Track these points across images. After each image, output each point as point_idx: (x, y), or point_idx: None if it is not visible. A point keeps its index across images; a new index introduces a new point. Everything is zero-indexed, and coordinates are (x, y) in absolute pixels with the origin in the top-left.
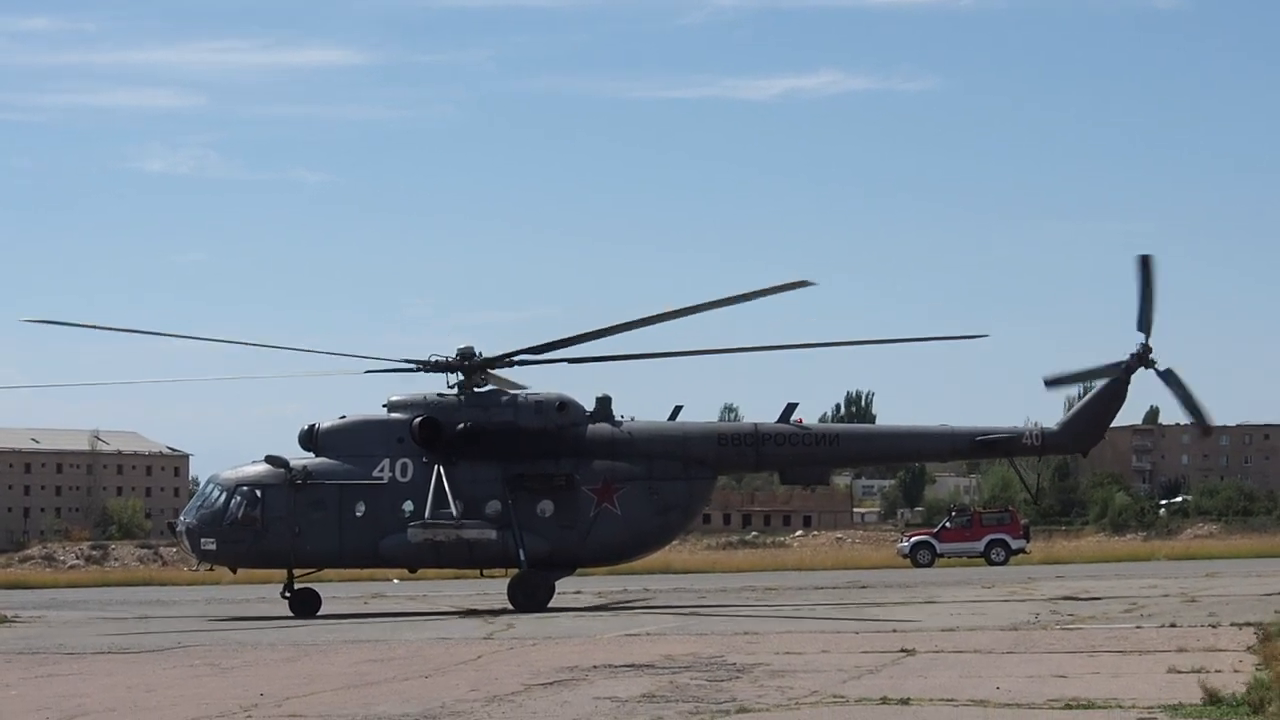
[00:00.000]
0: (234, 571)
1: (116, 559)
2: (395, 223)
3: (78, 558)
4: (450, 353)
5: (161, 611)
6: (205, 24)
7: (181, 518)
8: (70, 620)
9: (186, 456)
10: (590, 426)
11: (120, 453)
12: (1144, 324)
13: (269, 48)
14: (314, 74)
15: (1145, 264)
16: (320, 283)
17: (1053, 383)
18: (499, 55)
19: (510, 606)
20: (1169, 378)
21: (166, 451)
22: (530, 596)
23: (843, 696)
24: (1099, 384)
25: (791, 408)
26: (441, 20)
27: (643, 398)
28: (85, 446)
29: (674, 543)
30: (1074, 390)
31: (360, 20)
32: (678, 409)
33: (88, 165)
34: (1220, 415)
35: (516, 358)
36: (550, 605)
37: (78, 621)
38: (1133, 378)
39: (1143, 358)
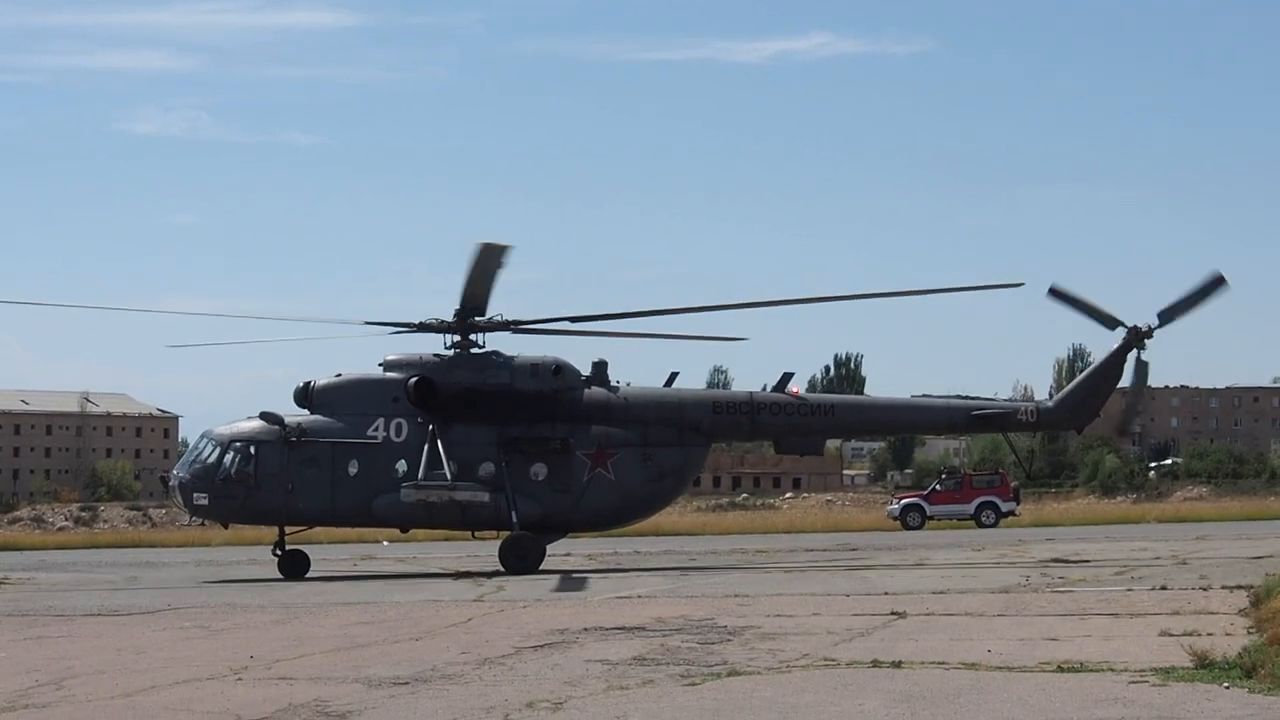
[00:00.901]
0: (225, 527)
1: (106, 521)
2: (387, 184)
3: (67, 519)
4: (447, 314)
5: (151, 573)
6: None
7: (175, 472)
8: (59, 582)
9: (176, 418)
10: (586, 391)
11: (110, 414)
12: (1110, 324)
13: (261, 9)
14: (306, 36)
15: (1056, 293)
16: (312, 244)
17: (1056, 293)
18: (489, 17)
19: (501, 569)
20: (1170, 314)
21: (156, 413)
22: (521, 559)
23: (834, 659)
24: (1095, 362)
25: (787, 377)
26: None
27: (635, 360)
28: (75, 408)
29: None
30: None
31: None
32: (673, 375)
33: (80, 127)
34: (1210, 378)
35: (511, 320)
36: (541, 568)
37: (67, 584)
38: (1128, 356)
39: (1139, 336)
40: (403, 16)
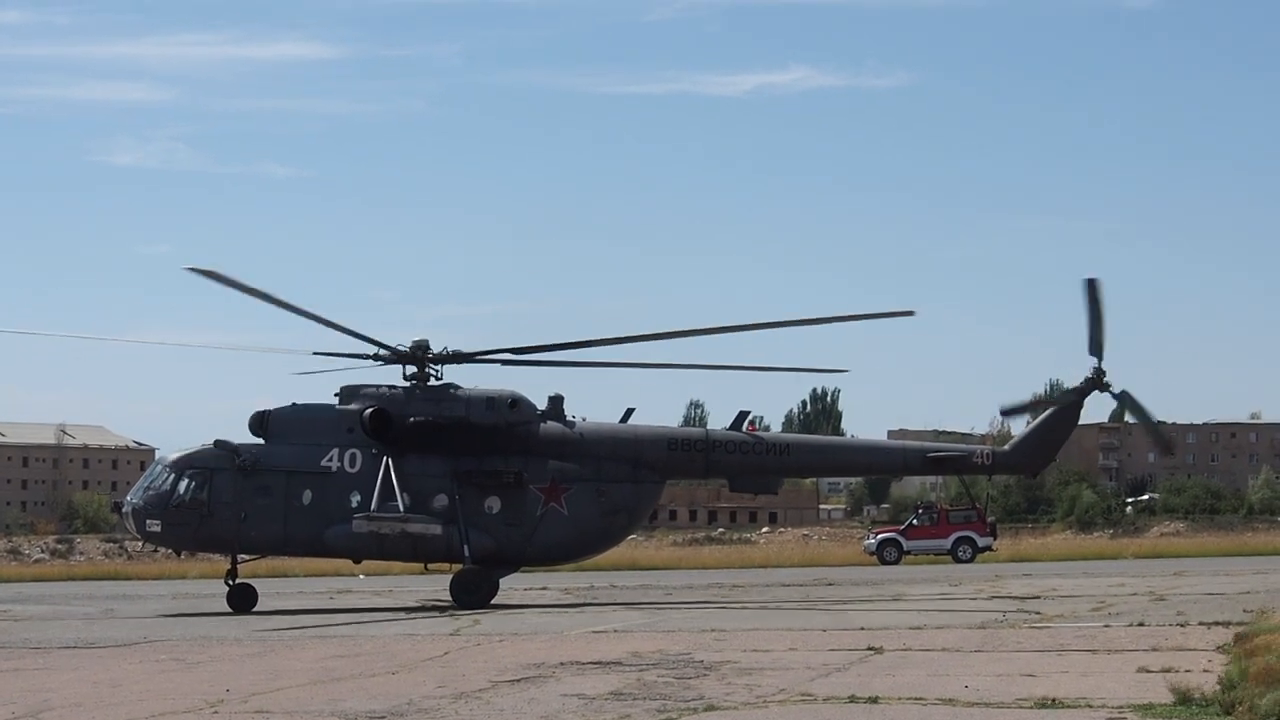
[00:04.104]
0: (178, 554)
1: (82, 553)
2: (363, 217)
3: (43, 551)
4: (406, 345)
5: (127, 606)
6: (176, 17)
7: (128, 497)
8: (36, 614)
9: (153, 450)
10: (541, 425)
11: (86, 446)
12: (1095, 348)
13: (239, 41)
14: (284, 68)
15: (1092, 287)
16: (288, 275)
17: (1008, 412)
18: (468, 49)
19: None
20: (1125, 400)
21: (133, 445)
22: (472, 593)
23: (811, 695)
24: (1052, 406)
25: (743, 416)
26: (410, 15)
27: (599, 391)
28: (51, 440)
29: (630, 540)
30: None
31: (329, 14)
32: (629, 411)
33: (57, 158)
34: (1187, 413)
35: (471, 354)
36: (516, 602)
37: (43, 616)
38: (1086, 400)
39: (1096, 382)
40: (381, 49)
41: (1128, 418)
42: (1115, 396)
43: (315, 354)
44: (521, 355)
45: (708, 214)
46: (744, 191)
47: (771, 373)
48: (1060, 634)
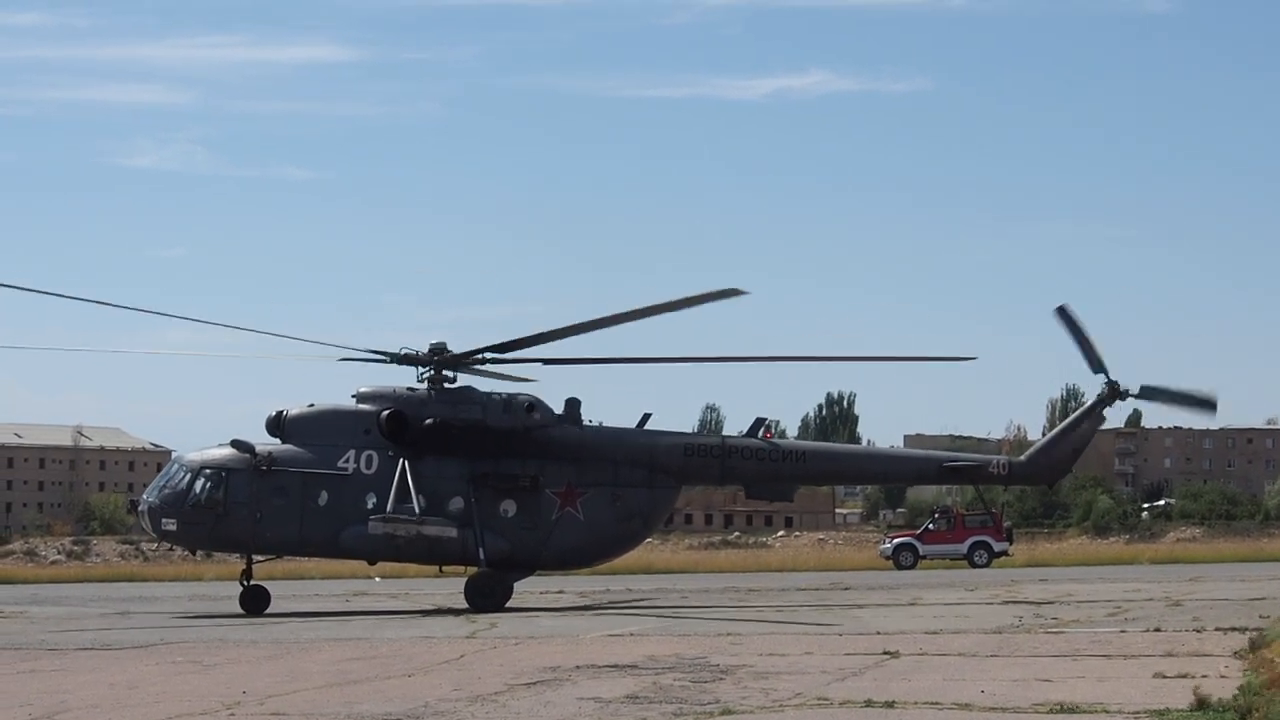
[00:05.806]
0: (193, 553)
1: (98, 554)
2: (380, 219)
3: (59, 553)
4: (423, 347)
5: (144, 608)
6: (194, 20)
7: (145, 496)
8: (52, 616)
9: (169, 452)
10: (558, 429)
11: (103, 448)
12: (1096, 366)
13: (257, 44)
14: (300, 70)
15: (1064, 314)
16: (304, 278)
17: (1064, 314)
18: (485, 52)
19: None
20: (1148, 393)
21: (149, 447)
22: (486, 597)
23: (827, 699)
24: (1071, 416)
25: (760, 422)
26: (426, 18)
27: (616, 395)
28: (68, 442)
29: (645, 543)
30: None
31: (346, 17)
32: (646, 416)
33: (76, 160)
34: (1203, 419)
35: (486, 355)
36: (532, 605)
37: (60, 617)
38: (1105, 412)
39: (1114, 394)
40: (398, 51)
41: (1145, 422)
42: (1138, 396)
43: (343, 360)
44: (523, 351)
45: (725, 217)
46: (761, 194)
47: (791, 373)
48: (1076, 639)
